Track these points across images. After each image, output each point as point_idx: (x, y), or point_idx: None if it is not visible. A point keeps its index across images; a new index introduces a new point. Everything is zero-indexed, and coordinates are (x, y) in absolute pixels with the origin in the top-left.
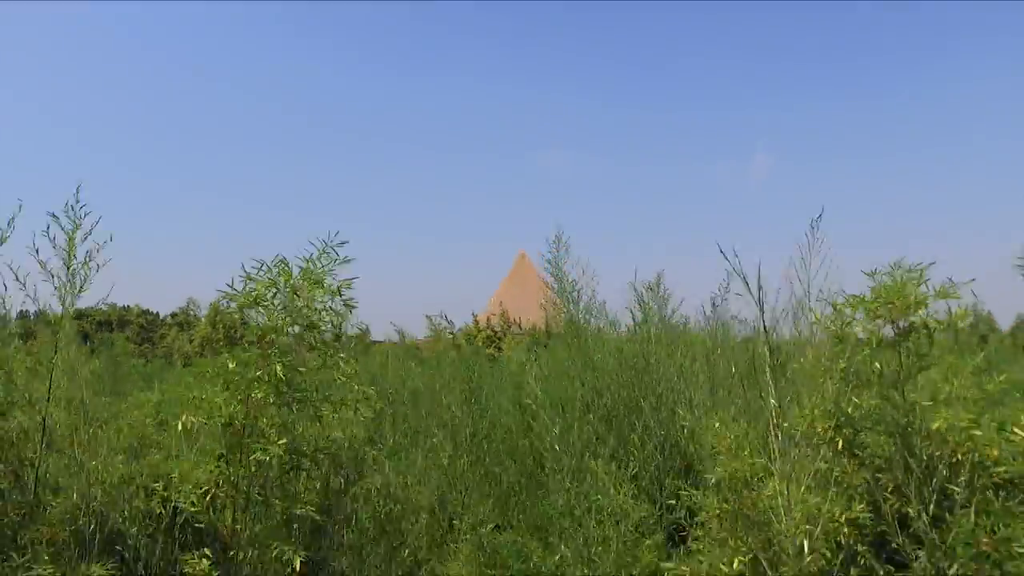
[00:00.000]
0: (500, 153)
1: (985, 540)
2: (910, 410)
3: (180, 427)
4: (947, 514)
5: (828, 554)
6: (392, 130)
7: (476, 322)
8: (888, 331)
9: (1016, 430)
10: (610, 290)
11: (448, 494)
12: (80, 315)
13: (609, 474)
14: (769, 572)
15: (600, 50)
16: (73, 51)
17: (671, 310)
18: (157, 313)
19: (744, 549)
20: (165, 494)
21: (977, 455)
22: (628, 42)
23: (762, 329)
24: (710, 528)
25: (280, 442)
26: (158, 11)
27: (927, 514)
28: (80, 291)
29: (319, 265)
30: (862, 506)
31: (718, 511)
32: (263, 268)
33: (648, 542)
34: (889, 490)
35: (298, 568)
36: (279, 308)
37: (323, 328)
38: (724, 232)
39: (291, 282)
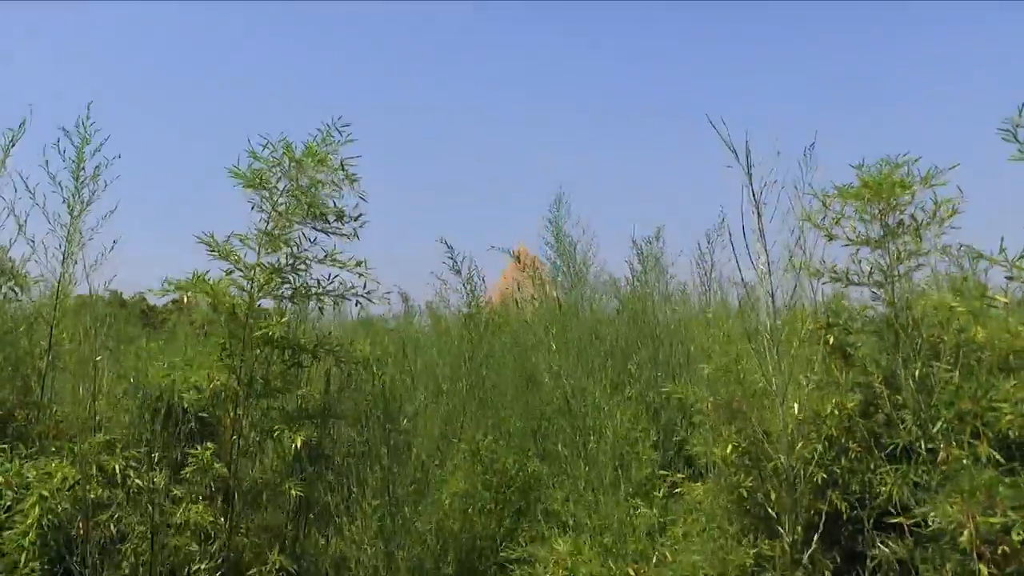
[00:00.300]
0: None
1: (967, 401)
2: (899, 305)
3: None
4: (932, 384)
5: (819, 448)
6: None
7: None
8: (877, 231)
9: (998, 297)
10: (612, 243)
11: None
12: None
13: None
14: (761, 458)
15: None
16: None
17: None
18: (153, 306)
19: (736, 438)
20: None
21: (963, 335)
22: None
23: (752, 200)
24: (703, 421)
25: (283, 319)
26: None
27: (913, 381)
28: (87, 206)
29: (323, 145)
30: (853, 403)
31: (710, 401)
32: (267, 146)
33: (640, 432)
34: (879, 380)
35: (298, 444)
36: (283, 192)
37: (325, 210)
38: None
39: (295, 160)
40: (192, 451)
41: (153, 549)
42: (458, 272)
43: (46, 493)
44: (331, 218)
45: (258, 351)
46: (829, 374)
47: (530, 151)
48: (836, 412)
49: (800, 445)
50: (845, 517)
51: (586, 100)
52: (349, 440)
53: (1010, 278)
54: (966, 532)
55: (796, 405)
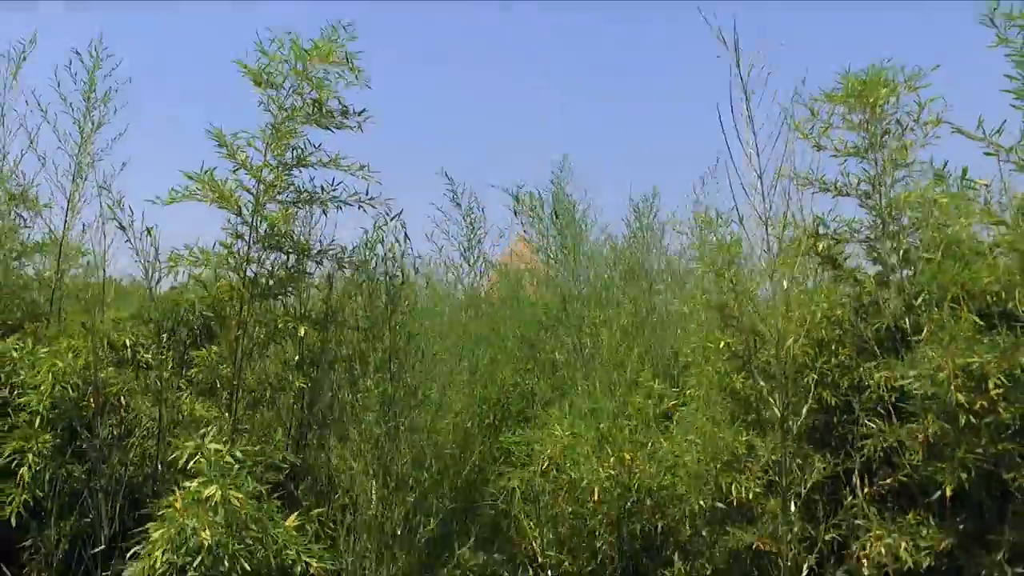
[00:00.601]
0: None
1: (949, 274)
2: (884, 212)
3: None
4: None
5: (811, 351)
6: None
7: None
8: (864, 140)
9: (979, 181)
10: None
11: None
12: None
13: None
14: (752, 358)
15: None
16: None
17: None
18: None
19: (729, 334)
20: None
21: (943, 218)
22: None
23: (741, 85)
24: (696, 319)
25: (288, 222)
26: None
27: (897, 257)
28: (97, 128)
29: (329, 42)
30: (842, 310)
31: (704, 299)
32: (275, 41)
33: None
34: (867, 290)
35: (303, 334)
36: (289, 91)
37: (330, 108)
38: None
39: (300, 55)
40: (198, 352)
41: (160, 440)
42: (458, 204)
43: (58, 363)
44: (337, 113)
45: (263, 253)
46: (819, 282)
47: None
48: (826, 319)
49: (790, 342)
50: (836, 416)
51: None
52: (351, 346)
53: (988, 154)
54: (944, 372)
55: (785, 307)
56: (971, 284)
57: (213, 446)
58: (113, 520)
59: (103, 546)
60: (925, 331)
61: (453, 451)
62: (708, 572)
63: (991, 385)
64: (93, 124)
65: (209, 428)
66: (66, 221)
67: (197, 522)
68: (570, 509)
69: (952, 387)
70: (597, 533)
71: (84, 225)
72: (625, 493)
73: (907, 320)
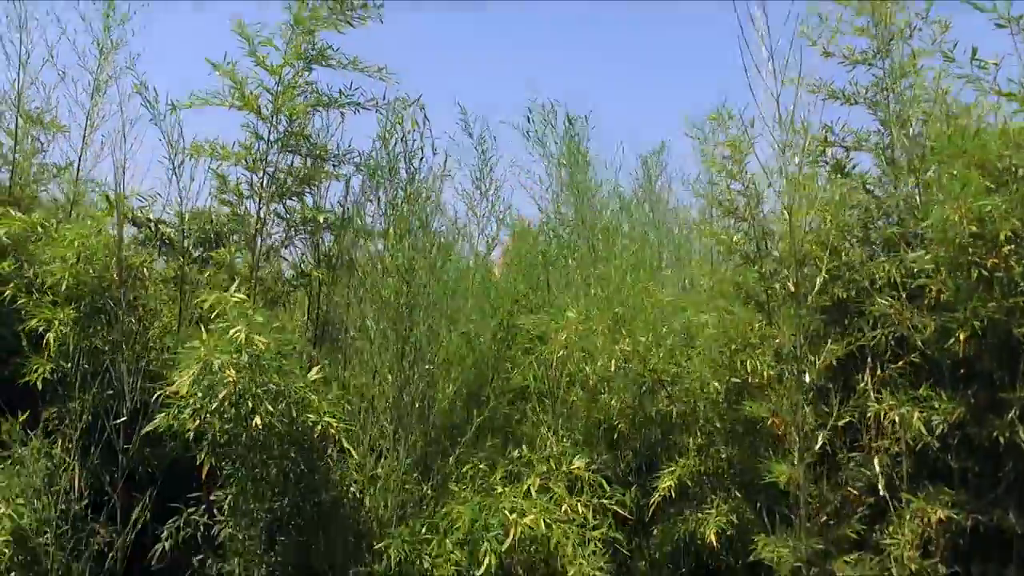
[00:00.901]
0: None
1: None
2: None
3: None
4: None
5: (820, 251)
6: None
7: None
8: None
9: (989, 62)
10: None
11: None
12: None
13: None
14: (763, 256)
15: None
16: None
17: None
18: None
19: (741, 232)
20: None
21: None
22: None
23: None
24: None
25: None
26: None
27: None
28: (115, 48)
29: None
30: (851, 215)
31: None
32: None
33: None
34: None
35: (322, 221)
36: None
37: None
38: None
39: None
40: (214, 252)
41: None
42: (470, 135)
43: (82, 236)
44: (356, 2)
45: (280, 156)
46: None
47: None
48: (835, 224)
49: (802, 236)
50: (847, 304)
51: None
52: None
53: (1000, 26)
54: (956, 213)
55: (795, 205)
56: (980, 154)
57: (236, 296)
58: (135, 393)
59: (124, 418)
60: (934, 190)
61: (468, 330)
62: (723, 456)
63: (1002, 239)
64: (112, 42)
65: (233, 282)
66: (84, 136)
67: (223, 359)
68: (584, 397)
69: (964, 223)
70: (612, 419)
71: (103, 137)
72: (639, 377)
73: (917, 195)
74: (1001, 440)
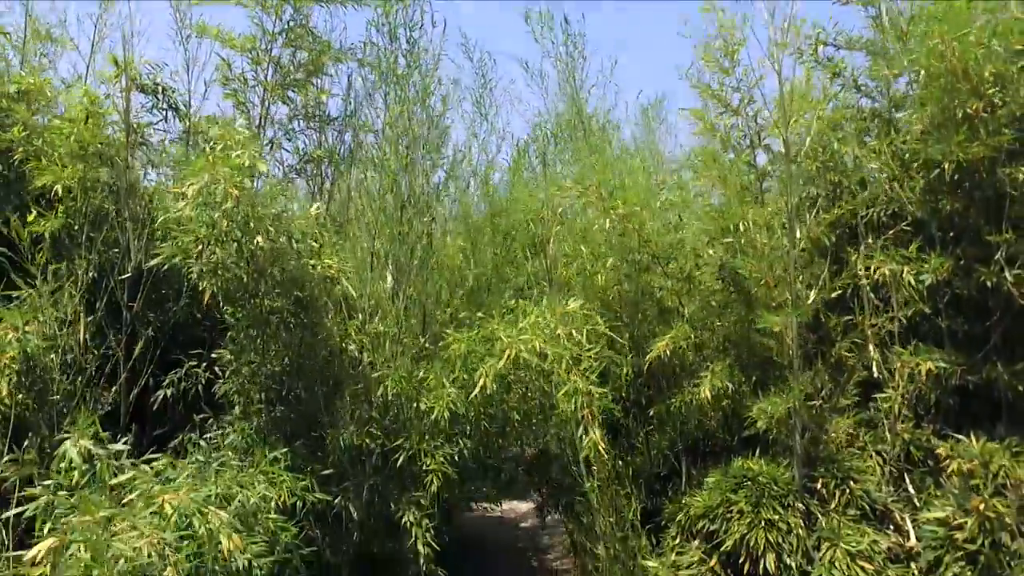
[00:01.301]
0: None
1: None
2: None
3: None
4: None
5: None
6: None
7: None
8: None
9: None
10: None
11: None
12: None
13: None
14: (758, 143)
15: None
16: None
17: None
18: None
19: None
20: None
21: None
22: None
23: None
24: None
25: None
26: None
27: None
28: None
29: None
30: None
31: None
32: None
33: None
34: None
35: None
36: None
37: None
38: None
39: None
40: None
41: None
42: (470, 58)
43: (91, 95)
44: None
45: (284, 50)
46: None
47: None
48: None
49: (794, 121)
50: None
51: None
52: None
53: None
54: (944, 47)
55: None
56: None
57: (242, 130)
58: (140, 253)
59: (128, 275)
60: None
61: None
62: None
63: (987, 79)
64: None
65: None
66: (93, 44)
67: (225, 172)
68: (579, 249)
69: (952, 56)
70: (609, 295)
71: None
72: (631, 242)
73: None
74: (988, 284)
